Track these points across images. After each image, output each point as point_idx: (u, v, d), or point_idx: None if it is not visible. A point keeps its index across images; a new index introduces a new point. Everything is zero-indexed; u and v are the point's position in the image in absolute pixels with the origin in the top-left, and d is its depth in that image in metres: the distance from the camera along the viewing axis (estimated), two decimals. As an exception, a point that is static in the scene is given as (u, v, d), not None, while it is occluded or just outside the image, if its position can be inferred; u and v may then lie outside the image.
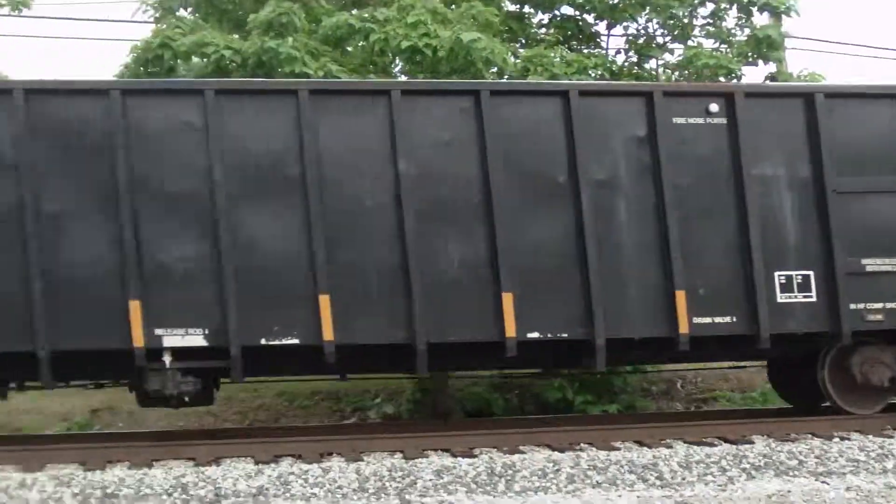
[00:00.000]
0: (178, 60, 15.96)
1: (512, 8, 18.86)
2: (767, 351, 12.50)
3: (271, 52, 14.80)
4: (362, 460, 10.87)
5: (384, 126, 11.61)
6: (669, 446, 11.41)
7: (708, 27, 19.04)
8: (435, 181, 11.71)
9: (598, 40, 19.45)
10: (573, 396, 15.36)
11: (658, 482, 10.18)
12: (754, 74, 20.25)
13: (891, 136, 12.66)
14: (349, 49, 16.72)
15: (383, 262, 11.56)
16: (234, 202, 11.32)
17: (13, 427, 15.84)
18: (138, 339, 11.11)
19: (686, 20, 18.92)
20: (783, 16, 19.09)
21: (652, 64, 19.20)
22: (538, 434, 11.98)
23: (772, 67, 18.98)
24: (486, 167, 11.72)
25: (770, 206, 12.35)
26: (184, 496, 9.90)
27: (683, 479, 10.16)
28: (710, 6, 18.89)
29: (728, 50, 18.45)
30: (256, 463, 10.88)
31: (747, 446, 11.05)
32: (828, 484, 9.93)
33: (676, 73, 18.51)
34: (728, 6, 18.86)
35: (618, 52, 19.28)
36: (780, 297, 12.23)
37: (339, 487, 10.04)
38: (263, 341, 11.35)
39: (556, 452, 11.13)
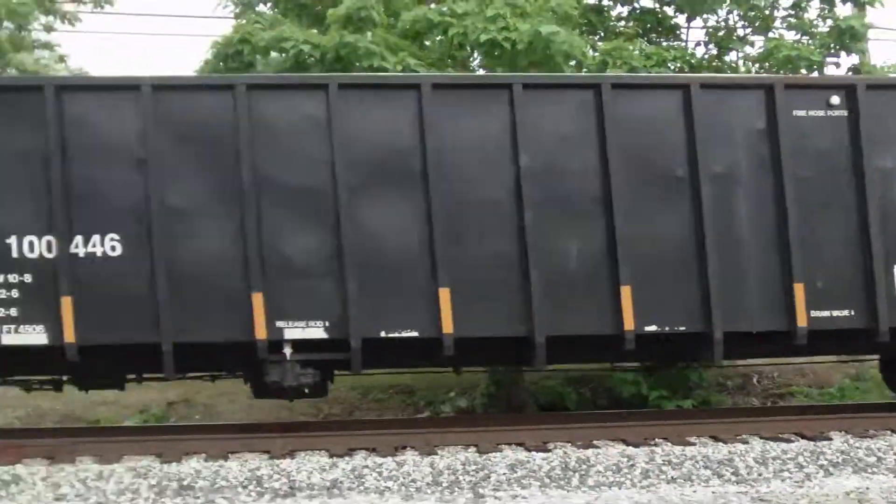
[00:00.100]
0: (257, 55, 16.05)
1: (591, 1, 18.76)
2: (885, 345, 12.30)
3: (350, 47, 14.84)
4: (436, 454, 10.86)
5: (505, 120, 11.60)
6: (745, 442, 11.29)
7: (789, 18, 18.81)
8: (554, 174, 11.66)
9: (678, 33, 19.30)
10: (648, 391, 15.24)
11: (734, 478, 10.09)
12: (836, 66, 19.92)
13: None
14: (427, 43, 16.71)
15: (502, 255, 11.55)
16: (356, 195, 11.36)
17: (91, 419, 16.05)
18: (261, 332, 11.20)
19: (767, 11, 18.72)
20: (867, 6, 18.74)
21: (732, 56, 19.04)
22: (613, 428, 11.92)
23: (854, 59, 18.66)
24: (605, 161, 11.67)
25: (891, 198, 12.19)
26: (258, 489, 9.96)
27: (760, 475, 10.06)
28: (792, -3, 18.64)
29: (810, 41, 18.18)
30: (331, 456, 10.92)
31: (825, 442, 10.92)
32: (908, 482, 9.81)
33: (757, 65, 18.27)
34: (810, -3, 18.60)
35: (697, 44, 19.14)
36: None
37: (413, 481, 10.04)
38: (383, 334, 11.40)
39: (630, 447, 11.05)
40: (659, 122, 11.95)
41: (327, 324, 11.32)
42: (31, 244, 11.05)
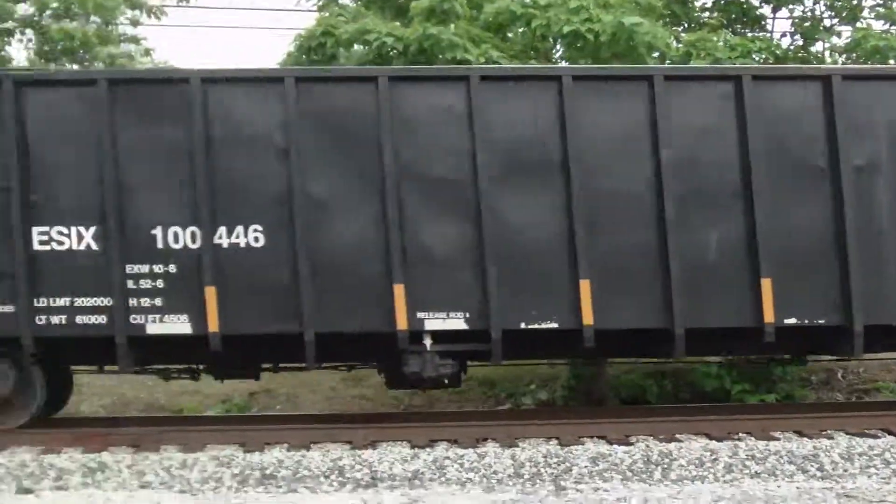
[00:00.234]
0: (340, 48, 16.12)
1: (674, -9, 18.60)
2: None
3: (433, 39, 14.84)
4: (517, 446, 10.87)
5: (645, 111, 11.57)
6: (830, 437, 11.16)
7: (878, 8, 18.52)
8: (694, 166, 11.61)
9: (763, 23, 19.07)
10: (730, 385, 15.10)
11: (819, 473, 9.98)
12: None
13: None
14: (510, 35, 16.68)
15: (642, 246, 11.53)
16: (496, 186, 11.39)
17: (174, 408, 16.23)
18: (402, 322, 11.29)
19: (855, 1, 18.43)
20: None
21: (818, 47, 18.79)
22: (695, 422, 11.85)
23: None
24: (745, 152, 11.59)
25: None
26: (340, 479, 10.02)
27: (845, 470, 9.95)
28: (881, -14, 18.36)
29: (900, 31, 17.90)
30: (412, 447, 10.96)
31: (912, 439, 10.77)
32: None
33: (844, 56, 18.01)
34: (900, -15, 18.30)
35: (783, 35, 18.92)
36: None
37: (495, 473, 10.05)
38: (523, 325, 11.43)
39: (713, 441, 10.99)
40: (800, 113, 11.81)
41: (468, 315, 11.38)
42: (175, 235, 11.25)
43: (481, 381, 16.38)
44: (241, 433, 11.58)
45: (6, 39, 21.42)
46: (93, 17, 22.06)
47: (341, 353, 11.94)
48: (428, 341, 11.42)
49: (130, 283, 11.19)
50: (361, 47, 16.06)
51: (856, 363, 16.64)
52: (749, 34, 18.34)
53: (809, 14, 18.79)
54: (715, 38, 16.18)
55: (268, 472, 10.14)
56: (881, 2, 18.48)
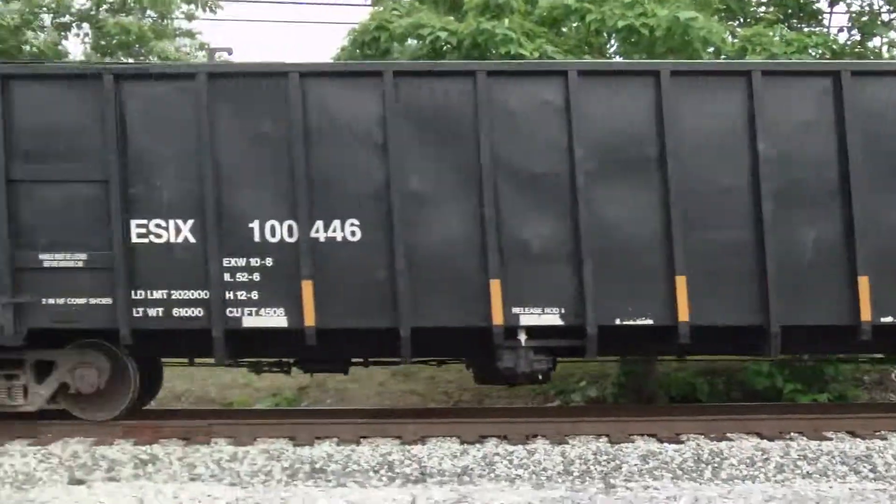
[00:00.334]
0: (394, 42, 16.13)
1: (730, -14, 18.46)
2: None
3: (487, 34, 14.82)
4: (567, 443, 10.86)
5: (743, 107, 11.48)
6: (884, 438, 11.05)
7: (938, 1, 18.27)
8: (792, 162, 11.49)
9: (820, 18, 18.89)
10: (782, 384, 14.99)
11: (871, 475, 9.92)
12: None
13: None
14: (564, 30, 16.63)
15: (738, 243, 11.44)
16: (593, 181, 11.35)
17: (224, 401, 16.33)
18: (498, 318, 11.27)
19: (914, -5, 18.22)
20: None
21: (876, 42, 18.60)
22: (746, 421, 11.75)
23: None
24: (844, 148, 11.47)
25: None
26: (389, 473, 10.05)
27: (899, 472, 9.88)
28: (941, -21, 18.12)
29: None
30: (462, 443, 10.97)
31: (968, 441, 10.66)
32: None
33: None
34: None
35: (840, 30, 18.72)
36: None
37: (544, 470, 10.05)
38: (618, 321, 11.39)
39: (764, 441, 10.93)
40: None
41: (563, 310, 11.33)
42: (272, 228, 11.29)
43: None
44: (291, 427, 11.63)
45: (63, 34, 21.60)
46: (148, 12, 22.20)
47: (429, 347, 11.87)
48: (523, 336, 11.38)
49: (227, 277, 11.23)
50: (415, 42, 16.07)
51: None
52: (805, 29, 18.18)
53: (867, 8, 18.58)
54: (771, 34, 16.03)
55: (317, 465, 10.19)
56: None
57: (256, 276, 11.25)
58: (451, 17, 16.02)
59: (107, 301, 11.20)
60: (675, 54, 14.84)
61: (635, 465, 10.15)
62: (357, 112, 11.37)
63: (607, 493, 9.47)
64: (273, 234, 11.27)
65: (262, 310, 11.27)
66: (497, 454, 10.31)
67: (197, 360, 12.46)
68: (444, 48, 15.33)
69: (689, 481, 9.87)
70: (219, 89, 11.33)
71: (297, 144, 11.22)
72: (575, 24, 16.24)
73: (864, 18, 18.47)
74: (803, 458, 10.17)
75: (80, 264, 11.21)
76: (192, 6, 22.81)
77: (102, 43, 21.48)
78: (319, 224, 11.28)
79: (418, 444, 10.86)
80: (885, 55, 18.07)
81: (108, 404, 11.70)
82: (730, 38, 16.14)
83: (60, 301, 11.21)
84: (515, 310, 11.30)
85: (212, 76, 11.35)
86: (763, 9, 18.67)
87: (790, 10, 18.39)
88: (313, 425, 11.70)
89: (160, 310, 11.25)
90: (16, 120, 11.25)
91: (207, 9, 22.72)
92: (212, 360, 12.16)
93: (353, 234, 11.29)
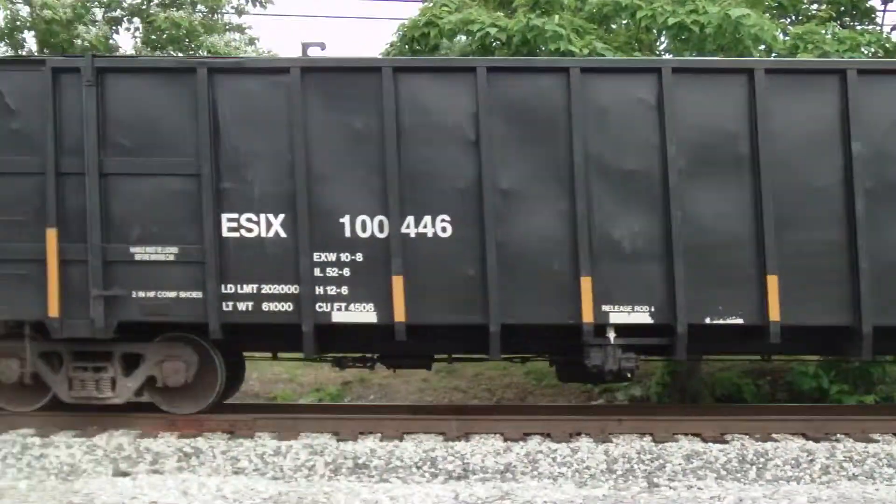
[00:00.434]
0: (443, 39, 16.13)
1: (781, -17, 18.32)
2: None
3: (536, 31, 14.78)
4: (611, 442, 10.83)
5: (837, 105, 11.38)
6: (932, 441, 10.97)
7: None
8: (886, 161, 11.39)
9: (873, 16, 18.72)
10: (828, 385, 14.89)
11: (919, 478, 9.85)
12: None
13: None
14: (613, 26, 16.58)
15: (831, 242, 11.34)
16: (685, 179, 11.30)
17: (268, 396, 16.40)
18: (588, 315, 11.23)
19: (970, -7, 18.02)
20: None
21: (929, 42, 18.37)
22: (791, 422, 11.67)
23: None
24: None
25: None
26: (432, 470, 10.08)
27: (947, 475, 9.81)
28: None
29: None
30: (505, 440, 10.96)
31: None
32: None
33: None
34: None
35: (893, 28, 18.52)
36: None
37: (587, 468, 10.05)
38: (708, 320, 11.32)
39: (810, 442, 10.86)
40: None
41: (652, 309, 11.27)
42: (363, 224, 11.27)
43: (575, 376, 16.32)
44: (335, 422, 11.64)
45: (114, 28, 21.79)
46: (198, 6, 22.34)
47: (514, 344, 11.82)
48: (612, 334, 11.34)
49: (317, 272, 11.23)
50: (464, 38, 16.06)
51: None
52: (858, 27, 18.01)
53: (921, 6, 18.41)
54: (823, 31, 15.91)
55: (360, 461, 10.24)
56: None
57: (346, 272, 11.24)
58: (501, 14, 16.01)
59: (197, 295, 11.22)
60: (726, 52, 14.76)
61: (679, 464, 10.13)
62: (449, 107, 11.33)
63: (650, 492, 9.46)
64: (364, 230, 11.26)
65: (352, 305, 11.25)
66: (540, 452, 10.31)
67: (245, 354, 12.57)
68: (494, 45, 15.32)
69: (734, 481, 9.84)
70: (311, 83, 11.32)
71: (388, 139, 11.19)
72: (625, 21, 16.20)
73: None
74: (849, 459, 10.11)
75: (171, 258, 11.25)
76: (242, 1, 22.95)
77: (153, 37, 21.65)
78: (410, 219, 11.25)
79: (461, 441, 10.88)
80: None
81: (195, 398, 11.75)
82: (781, 36, 16.01)
83: (151, 294, 11.24)
84: (605, 307, 11.24)
85: (305, 70, 11.34)
86: (815, 6, 18.52)
87: (843, 8, 18.22)
88: (357, 420, 11.71)
89: (249, 304, 11.26)
90: (109, 113, 11.30)
91: (257, 3, 22.85)
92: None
93: (443, 229, 11.26)
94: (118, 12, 21.92)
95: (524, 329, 11.44)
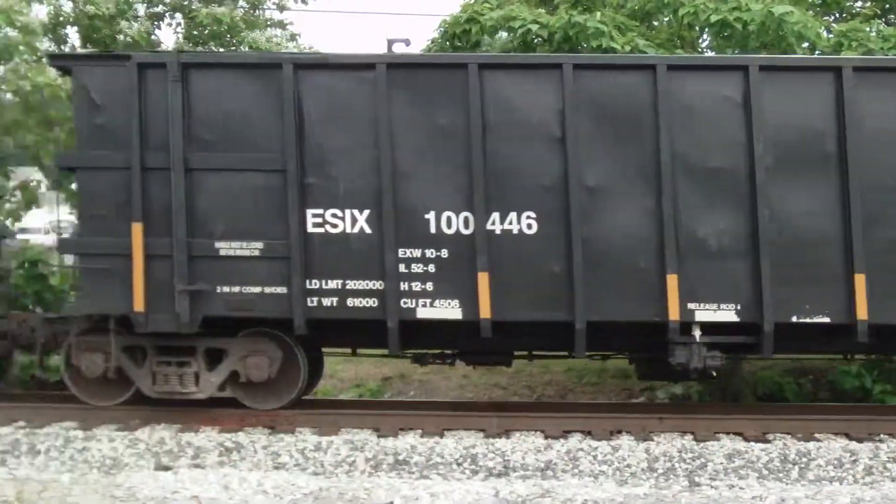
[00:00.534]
0: (485, 35, 16.11)
1: (825, -19, 18.18)
2: None
3: (578, 27, 14.74)
4: (652, 440, 10.80)
5: None
6: (977, 442, 10.86)
7: None
8: None
9: (920, 13, 18.54)
10: (871, 385, 14.77)
11: (963, 479, 9.76)
12: None
13: None
14: (655, 23, 16.51)
15: None
16: (772, 177, 11.25)
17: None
18: (674, 313, 11.23)
19: None
20: None
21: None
22: (834, 422, 11.60)
23: None
24: None
25: None
26: (473, 466, 10.08)
27: None
28: None
29: None
30: (546, 437, 10.95)
31: None
32: None
33: None
34: None
35: (939, 25, 18.30)
36: None
37: (628, 466, 10.02)
38: (794, 319, 11.28)
39: (853, 442, 10.79)
40: None
41: (738, 307, 11.25)
42: (448, 220, 11.30)
43: (614, 374, 16.29)
44: (375, 418, 11.67)
45: (156, 23, 21.88)
46: (240, 2, 22.39)
47: (597, 341, 11.74)
48: (697, 332, 11.31)
49: (402, 268, 11.26)
50: (506, 34, 16.03)
51: None
52: (903, 24, 17.85)
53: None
54: (867, 29, 15.78)
55: (401, 457, 10.25)
56: None
57: (431, 268, 11.28)
58: (542, 10, 15.96)
59: (281, 290, 11.27)
60: (768, 49, 14.67)
61: (721, 463, 10.08)
62: (535, 104, 11.34)
63: (692, 491, 9.42)
64: (449, 226, 11.29)
65: (437, 301, 11.28)
66: (581, 449, 10.29)
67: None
68: (535, 41, 15.29)
69: (776, 481, 9.79)
70: (397, 79, 11.33)
71: (474, 136, 11.21)
72: (667, 18, 16.13)
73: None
74: (893, 460, 10.04)
75: (257, 253, 11.31)
76: (285, -4, 23.00)
77: (194, 33, 21.71)
78: (496, 216, 11.27)
79: (502, 438, 10.87)
80: None
81: (277, 394, 11.80)
82: (825, 34, 15.89)
83: (235, 289, 11.31)
84: (691, 305, 11.24)
85: (391, 66, 11.36)
86: (860, 3, 18.36)
87: (888, 6, 18.06)
88: (397, 417, 11.75)
89: (334, 300, 11.31)
90: (195, 109, 11.38)
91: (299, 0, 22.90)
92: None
93: (529, 226, 11.27)
94: (160, 8, 21.99)
95: (608, 326, 11.39)
